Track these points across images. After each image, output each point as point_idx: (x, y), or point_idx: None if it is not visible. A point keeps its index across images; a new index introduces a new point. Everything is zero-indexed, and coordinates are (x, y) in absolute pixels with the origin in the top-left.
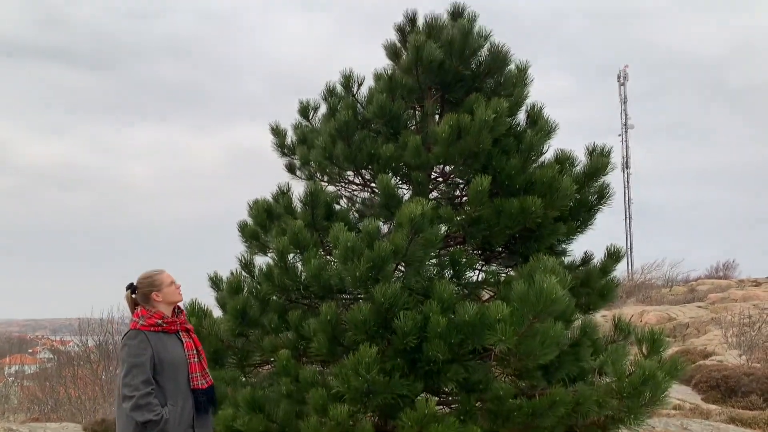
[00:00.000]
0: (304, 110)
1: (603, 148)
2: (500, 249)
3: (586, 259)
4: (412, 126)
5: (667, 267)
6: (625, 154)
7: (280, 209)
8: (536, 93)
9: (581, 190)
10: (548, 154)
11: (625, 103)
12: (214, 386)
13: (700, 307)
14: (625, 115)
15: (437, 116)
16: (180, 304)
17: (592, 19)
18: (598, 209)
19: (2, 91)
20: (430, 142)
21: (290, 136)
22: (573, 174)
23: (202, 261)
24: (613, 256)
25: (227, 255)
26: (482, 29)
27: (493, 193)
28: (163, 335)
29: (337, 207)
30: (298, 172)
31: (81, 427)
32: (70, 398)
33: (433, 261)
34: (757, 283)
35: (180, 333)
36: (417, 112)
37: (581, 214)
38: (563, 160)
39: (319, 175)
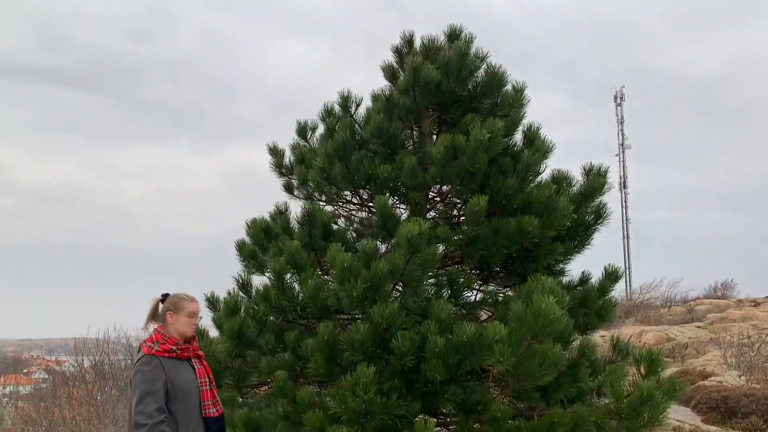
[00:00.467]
0: (302, 130)
1: (600, 168)
2: (498, 269)
3: (584, 279)
4: (409, 146)
5: (665, 287)
6: (622, 174)
7: (278, 229)
8: (533, 113)
9: (578, 210)
10: (545, 174)
11: (621, 123)
12: (224, 415)
13: (698, 327)
14: (622, 135)
15: (434, 136)
16: None
17: (588, 40)
18: (595, 229)
19: (2, 111)
20: (427, 163)
21: (288, 156)
22: (570, 194)
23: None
24: (611, 276)
25: (225, 275)
26: (479, 50)
27: (491, 213)
28: (176, 361)
29: (335, 227)
30: (296, 192)
31: None
32: (64, 419)
33: (431, 281)
34: (755, 303)
35: (192, 360)
36: (414, 133)
37: (578, 234)
38: (560, 180)
39: (316, 194)
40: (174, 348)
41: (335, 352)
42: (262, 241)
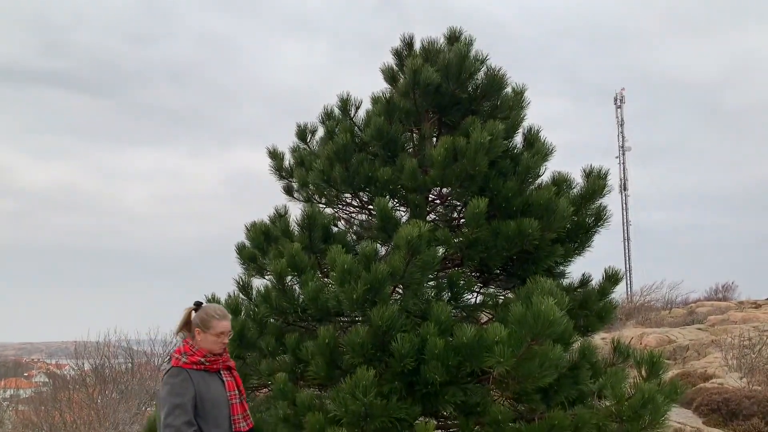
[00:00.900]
0: (302, 133)
1: (600, 170)
2: (498, 271)
3: (585, 281)
4: (409, 149)
5: (666, 289)
6: (622, 176)
7: (278, 231)
8: (533, 115)
9: (578, 212)
10: (545, 176)
11: (622, 125)
12: (254, 429)
13: (699, 329)
14: (623, 137)
15: (434, 139)
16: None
17: (587, 42)
18: (595, 231)
19: (4, 115)
20: (427, 165)
21: (288, 159)
22: (570, 196)
23: (200, 283)
24: (612, 278)
25: (225, 278)
26: (479, 53)
27: (491, 215)
28: (205, 374)
29: (335, 229)
30: (295, 195)
31: None
32: (65, 423)
33: (431, 283)
34: (756, 305)
35: (221, 372)
36: (414, 135)
37: (579, 236)
38: (560, 182)
39: (316, 197)
40: (202, 360)
41: (335, 355)
42: (262, 244)
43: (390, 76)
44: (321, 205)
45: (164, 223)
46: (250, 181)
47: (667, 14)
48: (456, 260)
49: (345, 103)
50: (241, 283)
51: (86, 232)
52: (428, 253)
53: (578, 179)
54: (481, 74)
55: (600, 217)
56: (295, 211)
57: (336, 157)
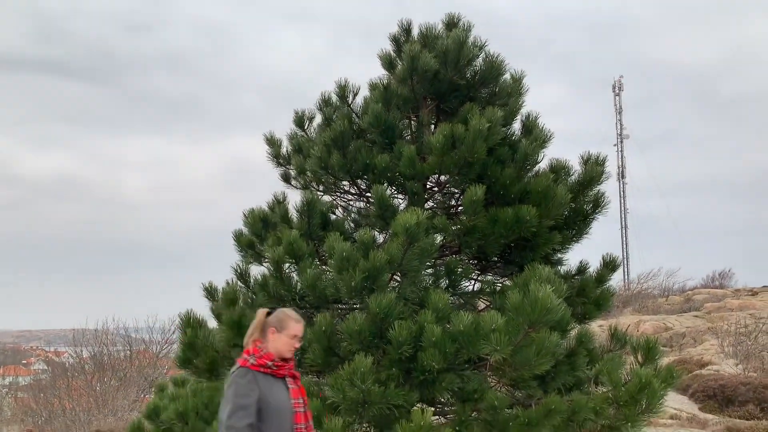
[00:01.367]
0: (300, 120)
1: (597, 157)
2: (496, 258)
3: (582, 268)
4: (407, 136)
5: (663, 276)
6: (620, 163)
7: (276, 218)
8: (531, 103)
9: (576, 200)
10: (543, 164)
11: (620, 113)
12: None
13: (696, 316)
14: (621, 125)
15: (432, 126)
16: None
17: (585, 30)
18: (593, 218)
19: (1, 103)
20: (425, 152)
21: (285, 146)
22: (568, 183)
23: (198, 271)
24: (609, 266)
25: (223, 265)
26: (477, 39)
27: (488, 203)
28: (271, 378)
29: (333, 217)
30: (293, 182)
31: None
32: (64, 410)
33: (429, 271)
34: (753, 293)
35: (287, 378)
36: (412, 122)
37: (576, 224)
38: (558, 169)
39: (314, 184)
40: (270, 364)
41: (333, 342)
42: (260, 231)
43: (388, 62)
44: (319, 193)
45: (162, 210)
46: (249, 169)
47: (666, 1)
48: (454, 248)
49: (343, 90)
50: (238, 270)
51: (84, 220)
52: (426, 241)
53: (576, 166)
54: (479, 60)
55: (598, 203)
56: (294, 198)
57: (334, 144)
